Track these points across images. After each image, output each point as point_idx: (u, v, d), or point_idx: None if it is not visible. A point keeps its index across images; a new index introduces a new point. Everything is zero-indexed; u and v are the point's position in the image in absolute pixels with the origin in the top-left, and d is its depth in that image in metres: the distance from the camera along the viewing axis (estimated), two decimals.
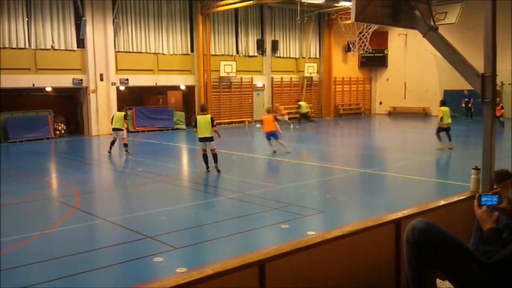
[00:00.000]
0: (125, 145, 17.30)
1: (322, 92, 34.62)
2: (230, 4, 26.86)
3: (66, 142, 22.73)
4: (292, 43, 32.87)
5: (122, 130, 17.16)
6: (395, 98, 35.81)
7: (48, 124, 23.28)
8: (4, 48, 22.06)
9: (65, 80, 23.98)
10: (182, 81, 28.42)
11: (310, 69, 33.18)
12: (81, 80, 24.42)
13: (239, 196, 10.58)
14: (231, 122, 29.63)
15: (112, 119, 17.79)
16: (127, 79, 25.85)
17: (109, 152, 17.28)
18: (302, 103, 29.53)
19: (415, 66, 33.75)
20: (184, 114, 28.03)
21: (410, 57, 34.07)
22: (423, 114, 33.73)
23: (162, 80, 27.24)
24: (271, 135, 16.73)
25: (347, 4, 26.50)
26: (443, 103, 17.06)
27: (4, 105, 23.07)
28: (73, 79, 24.16)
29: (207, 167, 13.26)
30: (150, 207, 9.75)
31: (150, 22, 26.53)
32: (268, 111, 17.76)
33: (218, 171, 13.17)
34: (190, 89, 29.01)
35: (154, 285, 3.86)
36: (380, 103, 37.22)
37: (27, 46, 22.73)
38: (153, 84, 26.98)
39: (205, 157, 13.24)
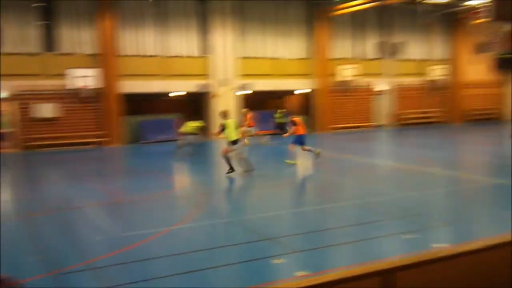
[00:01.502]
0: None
1: (450, 96, 32.65)
2: (350, 6, 26.43)
3: (191, 144, 23.84)
4: (416, 44, 31.44)
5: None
6: None
7: (175, 127, 24.74)
8: (137, 56, 23.99)
9: (191, 86, 25.36)
10: (300, 86, 28.58)
11: (436, 72, 31.47)
12: (205, 85, 25.64)
13: (359, 202, 10.30)
14: (349, 127, 29.13)
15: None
16: (247, 84, 26.60)
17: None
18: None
19: None
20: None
21: None
22: None
23: (281, 84, 27.62)
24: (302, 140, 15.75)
25: (477, 2, 24.71)
26: None
27: (138, 108, 25.07)
28: (197, 84, 25.46)
29: (232, 169, 13.63)
30: (270, 209, 9.87)
31: (269, 27, 27.08)
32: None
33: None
34: (308, 93, 29.05)
35: (277, 286, 3.84)
36: None
37: (157, 53, 24.46)
38: (272, 88, 27.47)
39: (227, 158, 13.69)
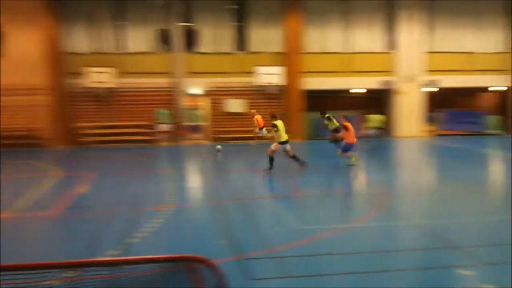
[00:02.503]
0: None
1: None
2: None
3: (372, 142, 23.38)
4: None
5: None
6: None
7: (355, 124, 24.43)
8: (320, 53, 24.30)
9: (373, 82, 24.79)
10: (496, 82, 25.86)
11: None
12: (388, 81, 24.81)
13: None
14: None
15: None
16: (435, 81, 25.01)
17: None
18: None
19: None
20: (499, 118, 25.54)
21: None
22: None
23: (473, 81, 25.35)
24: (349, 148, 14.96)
25: None
26: None
27: (319, 104, 25.35)
28: (380, 81, 24.76)
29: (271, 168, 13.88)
30: (456, 214, 9.09)
31: (461, 19, 25.01)
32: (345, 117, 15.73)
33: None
34: (506, 90, 26.13)
35: None
36: None
37: (340, 50, 24.45)
38: (462, 85, 25.39)
39: (271, 158, 13.90)
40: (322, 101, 26.21)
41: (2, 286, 2.79)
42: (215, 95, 23.89)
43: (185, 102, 23.90)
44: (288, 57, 23.85)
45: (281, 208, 10.08)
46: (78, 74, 22.40)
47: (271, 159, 14.01)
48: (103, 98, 22.94)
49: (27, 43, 22.01)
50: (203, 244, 7.45)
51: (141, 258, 2.74)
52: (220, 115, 23.97)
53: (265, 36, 24.10)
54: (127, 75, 22.96)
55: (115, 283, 2.88)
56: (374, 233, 8.12)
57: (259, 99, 24.09)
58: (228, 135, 23.73)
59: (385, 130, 24.37)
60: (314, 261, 6.61)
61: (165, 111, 22.77)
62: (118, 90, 22.94)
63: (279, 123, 14.08)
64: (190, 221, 9.26)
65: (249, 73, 23.48)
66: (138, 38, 23.24)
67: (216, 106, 24.00)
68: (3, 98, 21.75)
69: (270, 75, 23.42)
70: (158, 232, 8.16)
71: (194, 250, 3.16)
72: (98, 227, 8.49)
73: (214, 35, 23.70)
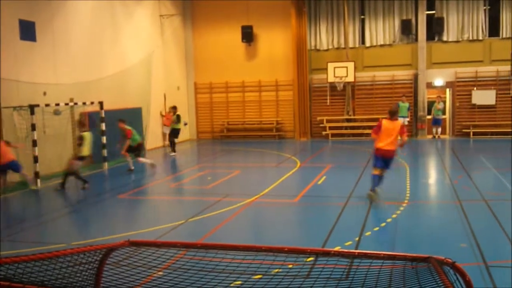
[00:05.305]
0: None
1: None
2: None
3: None
4: None
5: None
6: None
7: None
8: None
9: None
10: None
11: None
12: None
13: None
14: None
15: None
16: None
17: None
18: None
19: None
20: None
21: None
22: None
23: None
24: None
25: None
26: None
27: None
28: None
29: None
30: None
31: None
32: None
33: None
34: None
35: None
36: None
37: None
38: None
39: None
40: None
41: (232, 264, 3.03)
42: (460, 86, 22.08)
43: (426, 94, 22.69)
44: None
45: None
46: (319, 69, 23.25)
47: (77, 176, 12.47)
48: (342, 92, 23.27)
49: (274, 43, 23.76)
50: (442, 245, 7.03)
51: (382, 254, 2.68)
52: (465, 108, 22.04)
53: None
54: (367, 69, 22.92)
55: (352, 274, 2.88)
56: None
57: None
58: (474, 129, 21.65)
59: None
60: None
61: (405, 104, 21.91)
62: (357, 84, 23.05)
63: (88, 134, 12.75)
64: (419, 219, 8.93)
65: (500, 61, 21.00)
66: (378, 31, 22.85)
67: (460, 98, 22.16)
68: (256, 93, 24.04)
69: None
70: (385, 228, 8.13)
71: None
72: (322, 216, 8.99)
73: (460, 22, 21.84)
